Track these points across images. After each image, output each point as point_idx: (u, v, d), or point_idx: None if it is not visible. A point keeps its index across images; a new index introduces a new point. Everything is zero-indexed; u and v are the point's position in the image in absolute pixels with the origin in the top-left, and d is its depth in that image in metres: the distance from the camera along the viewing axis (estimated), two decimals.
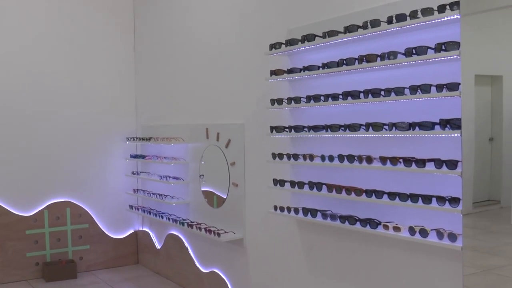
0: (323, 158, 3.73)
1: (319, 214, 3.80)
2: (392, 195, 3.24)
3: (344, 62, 3.51)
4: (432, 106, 3.11)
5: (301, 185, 3.93)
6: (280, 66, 4.15)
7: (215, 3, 5.29)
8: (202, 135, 5.40)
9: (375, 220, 3.38)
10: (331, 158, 3.67)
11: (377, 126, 3.32)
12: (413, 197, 3.13)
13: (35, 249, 6.29)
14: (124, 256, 6.89)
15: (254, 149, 4.67)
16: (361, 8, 3.54)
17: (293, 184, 3.99)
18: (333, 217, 3.66)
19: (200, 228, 5.14)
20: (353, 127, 3.48)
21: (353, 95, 3.47)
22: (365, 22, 3.32)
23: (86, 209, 6.61)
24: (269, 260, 4.56)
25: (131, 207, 6.61)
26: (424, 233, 3.07)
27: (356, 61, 3.43)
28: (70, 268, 6.29)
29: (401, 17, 3.11)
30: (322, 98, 3.71)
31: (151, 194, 6.12)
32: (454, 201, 2.93)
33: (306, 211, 3.89)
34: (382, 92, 3.29)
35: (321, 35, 3.66)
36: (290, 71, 3.98)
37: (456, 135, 2.90)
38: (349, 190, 3.52)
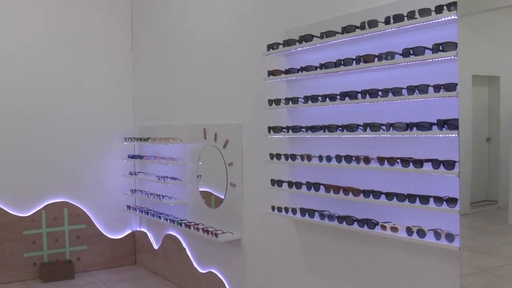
0: (320, 158, 3.73)
1: (316, 214, 3.80)
2: (389, 196, 3.24)
3: (342, 62, 3.51)
4: (429, 106, 3.11)
5: (298, 185, 3.93)
6: (278, 67, 4.16)
7: (212, 3, 5.28)
8: (200, 135, 5.40)
9: (373, 221, 3.38)
10: (328, 159, 3.67)
11: (374, 127, 3.32)
12: (411, 198, 3.13)
13: (32, 249, 6.28)
14: (121, 256, 6.88)
15: (252, 149, 4.67)
16: (358, 8, 3.54)
17: (290, 184, 3.99)
18: (331, 217, 3.67)
19: (197, 229, 5.13)
20: (350, 128, 3.48)
21: (351, 95, 3.47)
22: (363, 22, 3.32)
23: (84, 210, 6.60)
24: (267, 260, 4.56)
25: (128, 207, 6.61)
26: (421, 233, 3.07)
27: (354, 61, 3.43)
28: (67, 268, 6.28)
29: (398, 18, 3.11)
30: (319, 98, 3.71)
31: (149, 195, 6.12)
32: (452, 201, 2.93)
33: (303, 211, 3.89)
34: (380, 93, 3.29)
35: (319, 36, 3.66)
36: (288, 71, 3.99)
37: (453, 135, 2.90)
38: (346, 190, 3.52)
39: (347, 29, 3.44)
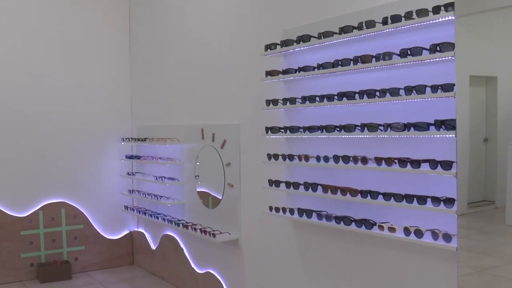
0: (318, 158, 3.73)
1: (314, 214, 3.80)
2: (387, 196, 3.25)
3: (339, 63, 3.51)
4: (427, 107, 3.11)
5: (296, 185, 3.93)
6: (276, 67, 4.16)
7: (210, 4, 5.28)
8: (198, 135, 5.40)
9: (370, 221, 3.38)
10: (326, 159, 3.67)
11: (372, 127, 3.32)
12: (408, 198, 3.13)
13: (29, 250, 6.27)
14: (119, 256, 6.87)
15: (250, 149, 4.67)
16: (356, 9, 3.54)
17: (288, 184, 3.99)
18: (328, 217, 3.67)
19: (195, 229, 5.13)
20: (348, 128, 3.48)
21: (348, 95, 3.47)
22: (360, 23, 3.33)
23: (81, 210, 6.59)
24: (264, 260, 4.56)
25: (126, 207, 6.60)
26: (419, 233, 3.08)
27: (351, 62, 3.43)
28: (65, 269, 6.27)
29: (396, 18, 3.11)
30: (317, 99, 3.72)
31: (146, 195, 6.11)
32: (449, 201, 2.93)
33: (301, 211, 3.89)
34: (377, 93, 3.29)
35: (317, 36, 3.66)
36: (286, 71, 3.98)
37: (451, 135, 2.90)
38: (344, 190, 3.52)
39: (344, 30, 3.44)
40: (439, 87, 2.93)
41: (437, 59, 2.94)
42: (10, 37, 6.15)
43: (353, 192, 3.46)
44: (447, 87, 2.89)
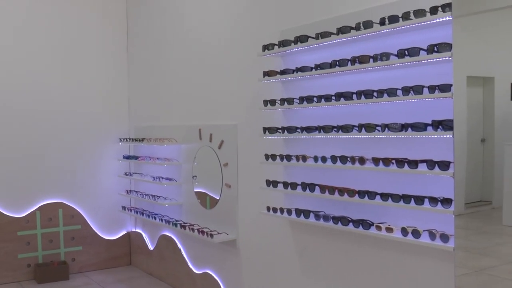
0: (316, 159, 3.74)
1: (312, 215, 3.80)
2: (384, 196, 3.25)
3: (337, 63, 3.51)
4: (424, 107, 3.12)
5: (294, 186, 3.93)
6: (273, 67, 4.16)
7: (207, 4, 5.28)
8: (195, 136, 5.40)
9: (368, 221, 3.39)
10: (324, 159, 3.67)
11: (369, 127, 3.33)
12: (406, 198, 3.13)
13: (27, 250, 6.26)
14: (116, 257, 6.86)
15: (247, 150, 4.67)
16: (353, 9, 3.55)
17: (286, 185, 3.99)
18: (326, 218, 3.67)
19: (193, 229, 5.13)
20: (345, 128, 3.48)
21: (346, 96, 3.48)
22: (358, 23, 3.33)
23: (79, 210, 6.58)
24: (262, 261, 4.56)
25: (123, 208, 6.59)
26: (416, 234, 3.08)
27: (349, 62, 3.43)
28: (62, 269, 6.26)
29: (393, 19, 3.12)
30: (315, 99, 3.72)
31: (144, 195, 6.11)
32: (446, 202, 2.94)
33: (299, 212, 3.89)
34: (375, 93, 3.29)
35: (314, 36, 3.66)
36: (283, 72, 3.99)
37: (448, 136, 2.91)
38: (341, 191, 3.53)
39: (342, 30, 3.44)
40: (437, 87, 2.93)
41: (434, 60, 2.94)
42: (7, 36, 6.14)
43: (351, 193, 3.46)
44: (445, 88, 2.90)
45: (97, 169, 6.70)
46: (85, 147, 6.60)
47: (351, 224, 3.49)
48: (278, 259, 4.38)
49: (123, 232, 6.92)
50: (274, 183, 4.10)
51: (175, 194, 5.78)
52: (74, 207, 6.55)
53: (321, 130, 3.66)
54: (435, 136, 3.01)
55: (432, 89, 2.95)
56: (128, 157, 6.55)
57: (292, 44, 3.84)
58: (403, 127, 3.11)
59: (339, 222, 3.55)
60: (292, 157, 3.94)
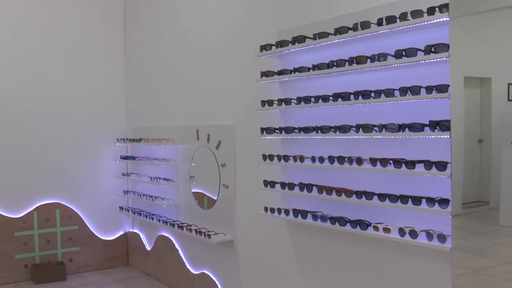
0: (313, 159, 3.74)
1: (309, 215, 3.80)
2: (382, 196, 3.25)
3: (335, 63, 3.51)
4: (421, 107, 3.12)
5: (291, 186, 3.93)
6: (271, 68, 4.16)
7: (205, 4, 5.28)
8: (193, 136, 5.39)
9: (365, 221, 3.39)
10: (321, 160, 3.67)
11: (367, 128, 3.33)
12: (403, 198, 3.14)
13: (24, 251, 6.24)
14: (114, 257, 6.85)
15: (245, 150, 4.67)
16: (351, 10, 3.55)
17: (283, 185, 3.99)
18: (324, 218, 3.67)
19: (190, 230, 5.12)
20: (343, 129, 3.48)
21: (344, 96, 3.48)
22: (355, 24, 3.33)
23: (76, 211, 6.57)
24: (259, 261, 4.56)
25: (121, 208, 6.58)
26: (413, 234, 3.08)
27: (346, 62, 3.44)
28: (59, 270, 6.25)
29: (391, 19, 3.12)
30: (312, 99, 3.72)
31: (141, 196, 6.10)
32: (444, 202, 2.94)
33: (296, 212, 3.89)
34: (372, 94, 3.30)
35: (312, 37, 3.67)
36: (281, 72, 3.99)
37: (445, 136, 2.91)
38: (339, 191, 3.53)
39: (339, 30, 3.44)
40: (434, 88, 2.93)
41: (431, 60, 2.95)
42: (4, 36, 6.13)
43: (348, 193, 3.46)
44: (442, 88, 2.90)
45: (94, 169, 6.69)
46: (82, 147, 6.59)
47: (348, 224, 3.49)
48: (275, 260, 4.37)
49: (121, 233, 6.91)
50: (272, 184, 4.10)
51: (173, 194, 5.77)
52: (71, 207, 6.54)
53: (319, 131, 3.66)
54: (433, 137, 3.01)
55: (429, 89, 2.95)
56: (125, 158, 6.54)
57: (290, 44, 3.84)
58: (401, 127, 3.11)
59: (337, 223, 3.55)
60: (290, 157, 3.94)
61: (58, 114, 6.43)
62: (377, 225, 3.30)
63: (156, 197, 5.82)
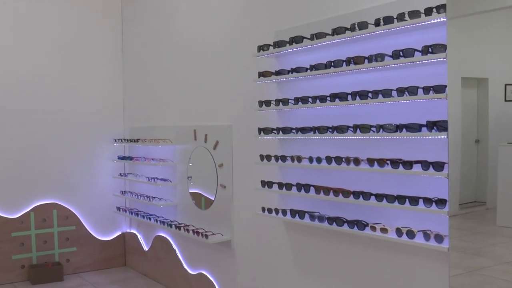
0: (311, 159, 3.74)
1: (306, 215, 3.81)
2: (379, 197, 3.25)
3: (332, 64, 3.52)
4: (419, 108, 3.13)
5: (289, 186, 3.93)
6: (268, 68, 4.16)
7: (202, 5, 5.28)
8: (190, 136, 5.39)
9: (363, 222, 3.39)
10: (318, 160, 3.67)
11: (364, 128, 3.33)
12: (400, 199, 3.14)
13: (21, 251, 6.23)
14: (111, 258, 6.84)
15: (242, 150, 4.67)
16: (349, 10, 3.55)
17: (281, 185, 4.00)
18: (321, 218, 3.67)
19: (188, 230, 5.12)
20: (340, 129, 3.49)
21: (341, 97, 3.48)
22: (353, 24, 3.34)
23: (73, 211, 6.56)
24: (257, 261, 4.56)
25: (118, 209, 6.58)
26: (411, 234, 3.09)
27: (344, 63, 3.44)
28: (56, 270, 6.24)
29: (388, 20, 3.12)
30: (310, 100, 3.72)
31: (139, 196, 6.09)
32: (441, 202, 2.95)
33: (294, 212, 3.89)
34: (370, 94, 3.30)
35: (309, 37, 3.67)
36: (278, 73, 3.99)
37: (442, 137, 2.92)
38: (336, 191, 3.53)
39: (337, 31, 3.45)
40: (431, 88, 2.94)
41: (429, 61, 2.95)
42: (2, 36, 6.12)
43: (346, 193, 3.46)
44: (439, 89, 2.91)
45: (91, 169, 6.68)
46: (79, 148, 6.58)
47: (346, 224, 3.49)
48: (273, 260, 4.38)
49: (118, 233, 6.90)
50: (269, 184, 4.10)
51: (170, 194, 5.77)
52: (69, 207, 6.53)
53: (316, 131, 3.67)
54: (430, 137, 3.02)
55: (426, 90, 2.96)
56: (123, 158, 6.53)
57: (287, 45, 3.84)
58: (398, 127, 3.12)
59: (334, 223, 3.55)
60: (287, 157, 3.94)
61: (55, 114, 6.42)
62: (375, 225, 3.31)
63: (154, 197, 5.82)
